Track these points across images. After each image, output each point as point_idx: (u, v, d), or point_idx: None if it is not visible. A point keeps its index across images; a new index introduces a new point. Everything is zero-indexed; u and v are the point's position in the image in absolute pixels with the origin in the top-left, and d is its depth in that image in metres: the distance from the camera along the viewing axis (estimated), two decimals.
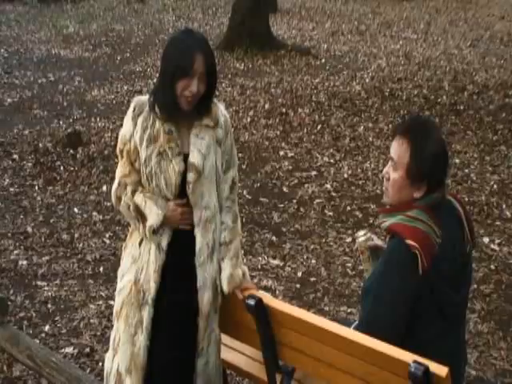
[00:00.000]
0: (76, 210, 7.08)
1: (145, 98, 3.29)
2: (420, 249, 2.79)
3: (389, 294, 2.89)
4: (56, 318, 5.23)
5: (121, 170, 3.30)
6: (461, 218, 3.06)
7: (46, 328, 5.10)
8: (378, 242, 3.55)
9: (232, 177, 3.41)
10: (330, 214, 7.02)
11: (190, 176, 3.20)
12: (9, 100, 10.94)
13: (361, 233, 3.58)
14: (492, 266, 5.95)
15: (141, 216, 3.23)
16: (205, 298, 3.27)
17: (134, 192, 3.26)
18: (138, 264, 3.27)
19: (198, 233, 3.25)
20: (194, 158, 3.21)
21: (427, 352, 2.66)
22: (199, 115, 3.26)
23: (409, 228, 2.86)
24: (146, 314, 3.25)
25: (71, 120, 9.94)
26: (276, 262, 6.07)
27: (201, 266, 3.25)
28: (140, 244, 3.30)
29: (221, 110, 3.37)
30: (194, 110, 3.24)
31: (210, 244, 3.28)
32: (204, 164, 3.22)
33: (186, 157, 3.22)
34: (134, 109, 3.25)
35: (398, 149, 2.99)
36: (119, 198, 3.29)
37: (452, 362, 2.69)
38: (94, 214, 6.98)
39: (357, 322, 3.12)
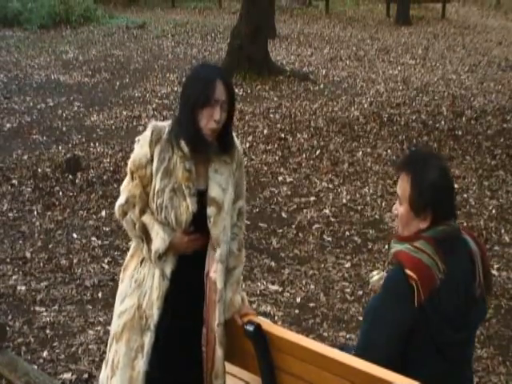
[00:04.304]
0: (75, 235, 7.07)
1: (161, 124, 3.26)
2: (418, 281, 2.80)
3: (383, 321, 2.91)
4: (54, 344, 5.21)
5: (131, 189, 3.25)
6: (473, 259, 3.02)
7: (45, 354, 5.08)
8: None
9: (240, 206, 3.41)
10: (329, 239, 7.02)
11: (211, 210, 3.20)
12: (8, 125, 10.97)
13: (374, 272, 3.68)
14: None
15: (146, 236, 3.21)
16: (220, 331, 3.27)
17: (141, 212, 3.23)
18: (142, 288, 3.26)
19: (220, 270, 3.24)
20: (215, 192, 3.21)
21: None
22: (221, 152, 3.25)
23: (411, 258, 2.87)
24: (148, 339, 3.24)
25: (70, 145, 9.96)
26: (275, 287, 6.06)
27: (219, 300, 3.26)
28: (141, 264, 3.29)
29: (236, 143, 3.36)
30: (216, 146, 3.23)
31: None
32: (224, 198, 3.23)
33: (200, 193, 3.21)
34: (152, 133, 3.19)
35: (400, 184, 3.04)
36: (125, 213, 3.26)
37: None
38: (93, 239, 6.97)
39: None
